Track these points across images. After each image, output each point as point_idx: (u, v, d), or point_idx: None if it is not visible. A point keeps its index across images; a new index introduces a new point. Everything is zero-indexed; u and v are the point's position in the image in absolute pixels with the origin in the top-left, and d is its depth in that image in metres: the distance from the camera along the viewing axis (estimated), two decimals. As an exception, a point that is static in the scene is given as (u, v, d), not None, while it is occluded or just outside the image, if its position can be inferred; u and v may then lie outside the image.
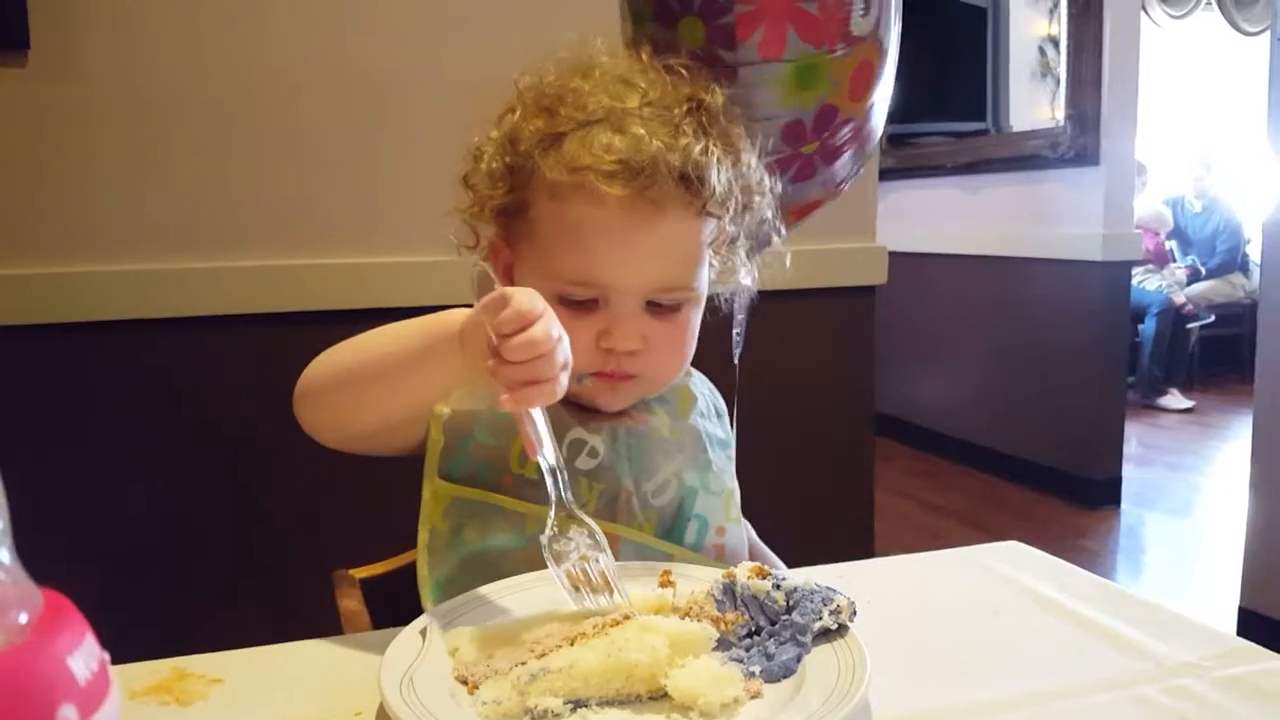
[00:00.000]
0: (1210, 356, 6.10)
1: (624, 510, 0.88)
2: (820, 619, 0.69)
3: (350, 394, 0.81)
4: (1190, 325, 5.93)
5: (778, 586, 0.72)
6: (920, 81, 3.19)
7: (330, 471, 1.47)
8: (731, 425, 1.04)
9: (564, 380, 0.70)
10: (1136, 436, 4.83)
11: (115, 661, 0.44)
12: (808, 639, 0.68)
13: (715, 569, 0.78)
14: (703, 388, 1.01)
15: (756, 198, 0.91)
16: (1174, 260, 6.26)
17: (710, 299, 0.95)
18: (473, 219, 0.92)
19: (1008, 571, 0.90)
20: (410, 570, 0.85)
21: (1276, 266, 2.64)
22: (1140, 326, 5.71)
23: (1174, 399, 5.63)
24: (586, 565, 0.73)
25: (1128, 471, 4.05)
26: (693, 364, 0.97)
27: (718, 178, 0.85)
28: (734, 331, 1.24)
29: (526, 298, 0.68)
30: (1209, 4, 6.59)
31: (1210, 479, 4.43)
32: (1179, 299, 5.88)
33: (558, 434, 0.80)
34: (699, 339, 0.93)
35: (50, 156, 1.57)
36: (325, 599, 0.98)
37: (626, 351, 0.85)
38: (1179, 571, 3.40)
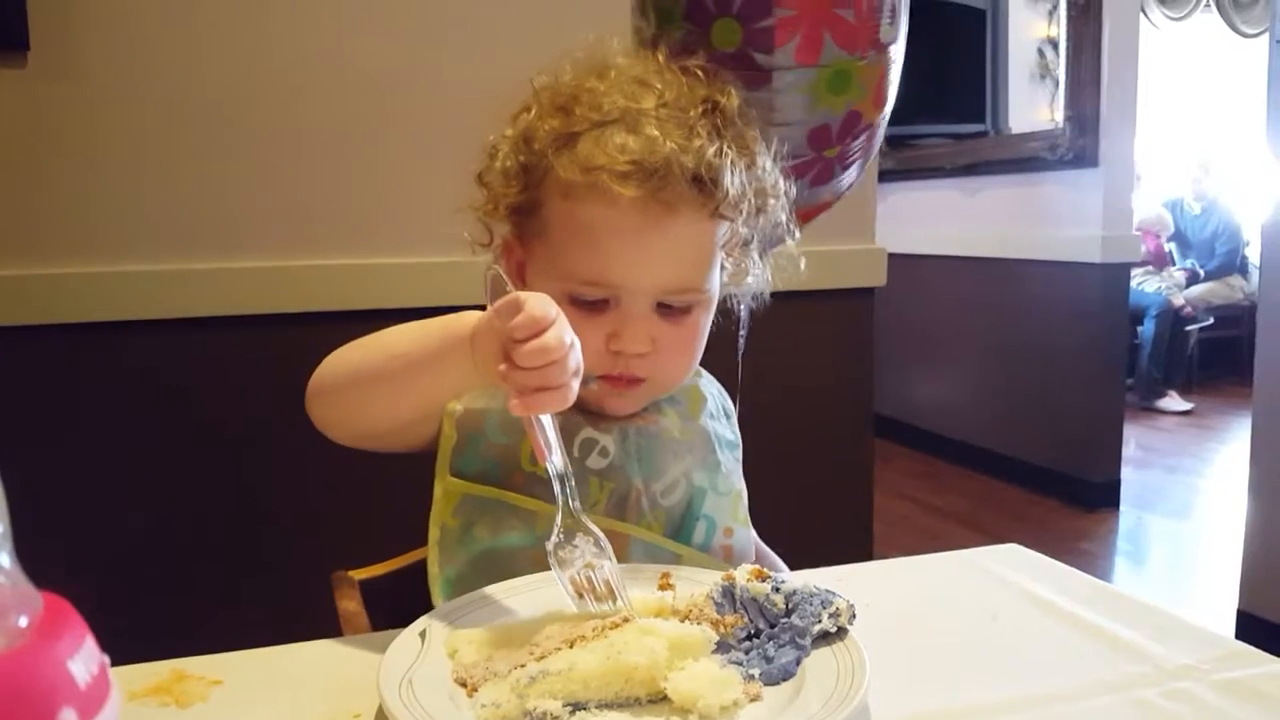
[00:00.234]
0: (1209, 359, 6.11)
1: (633, 510, 0.89)
2: (819, 622, 0.69)
3: (361, 393, 0.82)
4: (1189, 327, 5.94)
5: (777, 589, 0.73)
6: (919, 83, 3.17)
7: (331, 472, 1.48)
8: None
9: (575, 387, 0.70)
10: (1135, 439, 4.83)
11: (115, 663, 0.44)
12: (807, 642, 0.69)
13: (715, 571, 0.78)
14: (712, 388, 1.02)
15: (771, 200, 0.91)
16: (1173, 262, 6.27)
17: (723, 301, 0.95)
18: (487, 217, 0.92)
19: (1006, 574, 0.90)
20: (410, 572, 0.85)
21: (1275, 269, 2.65)
22: (1139, 328, 5.72)
23: (1173, 401, 5.63)
24: (591, 573, 0.73)
25: (1127, 474, 4.05)
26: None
27: (731, 180, 0.84)
28: (739, 333, 1.24)
29: (540, 303, 0.68)
30: (1208, 6, 6.61)
31: (1209, 481, 4.43)
32: (1178, 301, 5.88)
33: (568, 435, 0.80)
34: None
35: (50, 157, 1.57)
36: (324, 601, 0.98)
37: (635, 354, 0.85)
38: (1178, 574, 3.41)
